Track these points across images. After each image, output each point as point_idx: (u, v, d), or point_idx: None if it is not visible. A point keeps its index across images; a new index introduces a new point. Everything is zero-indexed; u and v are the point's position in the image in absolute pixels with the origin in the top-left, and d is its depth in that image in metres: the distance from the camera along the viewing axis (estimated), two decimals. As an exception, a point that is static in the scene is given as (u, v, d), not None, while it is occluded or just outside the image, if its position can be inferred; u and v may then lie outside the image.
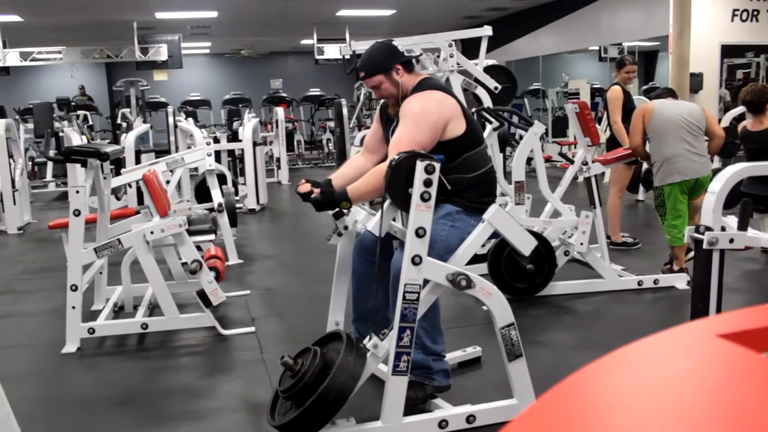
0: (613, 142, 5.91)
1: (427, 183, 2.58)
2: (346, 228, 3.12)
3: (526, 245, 2.88)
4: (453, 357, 3.44)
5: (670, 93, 5.19)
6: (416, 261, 2.61)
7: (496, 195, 3.17)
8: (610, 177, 6.01)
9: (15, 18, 12.35)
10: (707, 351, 0.64)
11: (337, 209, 2.96)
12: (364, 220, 3.08)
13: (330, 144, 14.31)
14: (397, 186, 2.66)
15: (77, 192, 3.90)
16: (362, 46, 6.52)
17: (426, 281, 2.68)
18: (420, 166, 2.57)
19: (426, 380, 2.95)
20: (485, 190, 3.02)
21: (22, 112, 13.14)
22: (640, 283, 4.81)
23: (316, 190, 2.86)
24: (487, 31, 6.31)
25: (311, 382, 2.57)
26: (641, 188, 8.28)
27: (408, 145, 2.75)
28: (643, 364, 0.66)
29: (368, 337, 2.73)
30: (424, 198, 2.58)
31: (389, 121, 3.11)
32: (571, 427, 0.54)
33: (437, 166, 2.59)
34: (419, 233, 2.60)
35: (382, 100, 3.27)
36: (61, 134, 8.27)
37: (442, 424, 2.80)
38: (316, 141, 15.93)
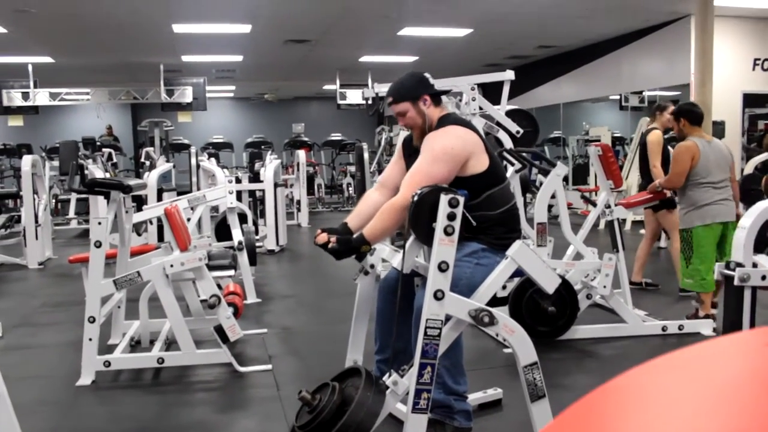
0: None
1: (451, 217, 2.55)
2: (372, 267, 3.10)
3: (549, 282, 2.83)
4: (473, 398, 3.36)
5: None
6: (438, 296, 2.57)
7: (521, 231, 3.13)
8: (669, 224, 5.80)
9: (47, 59, 12.63)
10: (757, 357, 0.63)
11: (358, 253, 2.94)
12: (389, 256, 3.06)
13: (350, 188, 14.38)
14: (420, 220, 2.63)
15: (99, 223, 3.91)
16: (385, 88, 6.60)
17: (448, 318, 2.64)
18: (444, 199, 2.55)
19: (446, 420, 2.88)
20: (510, 226, 2.99)
21: (48, 150, 13.35)
22: (664, 328, 4.72)
23: (333, 239, 2.85)
24: (509, 75, 6.34)
25: (329, 418, 2.51)
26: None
27: (423, 178, 2.73)
28: (694, 367, 0.63)
29: (388, 374, 2.66)
30: (447, 232, 2.55)
31: (413, 154, 3.09)
32: (626, 419, 0.52)
33: (461, 199, 2.57)
34: (442, 267, 2.56)
35: (405, 136, 3.27)
36: (86, 171, 8.36)
37: (462, 465, 2.72)
38: (336, 185, 16.01)
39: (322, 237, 2.90)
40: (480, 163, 2.93)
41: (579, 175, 13.73)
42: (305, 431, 2.56)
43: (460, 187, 2.84)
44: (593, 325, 4.72)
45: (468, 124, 3.10)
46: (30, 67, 12.18)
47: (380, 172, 12.39)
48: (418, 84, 3.08)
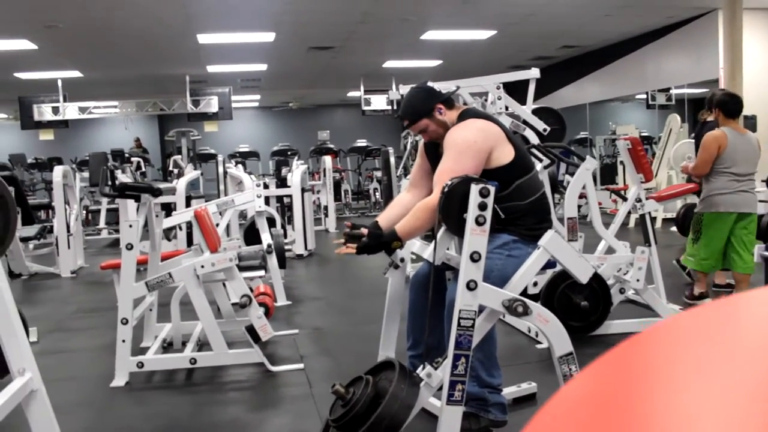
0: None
1: (482, 206, 2.53)
2: (402, 260, 3.08)
3: (583, 272, 2.79)
4: (507, 392, 3.32)
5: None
6: (471, 286, 2.54)
7: (551, 221, 3.10)
8: None
9: (75, 74, 12.84)
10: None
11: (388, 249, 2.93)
12: (419, 249, 3.04)
13: (377, 193, 14.38)
14: (451, 211, 2.61)
15: (130, 226, 3.95)
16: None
17: (481, 309, 2.62)
18: (474, 189, 2.53)
19: (481, 412, 2.85)
20: (541, 216, 2.96)
21: (78, 163, 13.54)
22: (700, 323, 4.63)
23: (364, 230, 2.83)
24: (534, 73, 6.30)
25: (363, 411, 2.50)
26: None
27: (452, 176, 2.70)
28: (728, 320, 0.61)
29: (421, 367, 2.64)
30: (479, 222, 2.53)
31: (437, 153, 3.07)
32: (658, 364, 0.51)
33: (492, 189, 2.55)
34: (474, 258, 2.54)
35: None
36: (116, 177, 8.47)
37: (499, 458, 2.69)
38: (363, 191, 16.02)
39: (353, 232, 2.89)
40: (505, 154, 2.90)
41: (607, 175, 13.60)
42: (339, 425, 2.55)
43: (488, 180, 2.83)
44: (627, 319, 4.65)
45: (487, 116, 3.08)
46: (59, 82, 12.39)
47: (406, 176, 12.38)
48: (428, 97, 3.05)
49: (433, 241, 2.71)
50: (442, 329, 2.86)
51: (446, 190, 2.61)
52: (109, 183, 4.39)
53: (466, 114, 2.98)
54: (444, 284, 3.02)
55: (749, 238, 4.98)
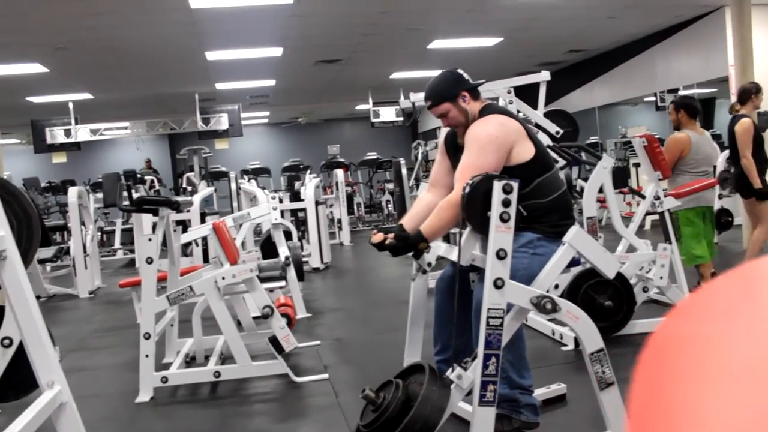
0: (741, 179, 5.61)
1: (506, 203, 2.51)
2: (429, 265, 3.05)
3: (610, 267, 2.77)
4: (537, 394, 3.27)
5: None
6: (498, 284, 2.52)
7: (574, 217, 3.07)
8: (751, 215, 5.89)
9: (86, 96, 12.92)
10: None
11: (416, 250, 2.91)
12: (446, 252, 3.02)
13: (389, 205, 14.36)
14: (474, 210, 2.59)
15: (149, 240, 3.94)
16: (421, 97, 6.59)
17: (509, 308, 2.59)
18: (497, 186, 2.51)
19: (513, 414, 2.81)
20: (563, 213, 2.93)
21: (92, 184, 13.59)
22: (726, 319, 4.58)
23: (390, 236, 2.82)
24: (545, 76, 6.28)
25: (395, 415, 2.47)
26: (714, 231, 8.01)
27: (473, 170, 2.68)
28: None
29: (450, 369, 2.61)
30: (503, 218, 2.51)
31: (457, 150, 3.06)
32: None
33: (515, 185, 2.52)
34: (500, 255, 2.51)
35: (445, 132, 3.23)
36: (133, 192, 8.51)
37: (533, 458, 2.65)
38: (375, 203, 16.02)
39: (378, 236, 2.87)
40: (525, 152, 2.87)
41: (619, 178, 13.48)
42: (370, 429, 2.52)
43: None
44: (652, 318, 4.60)
45: (508, 113, 3.06)
46: (71, 105, 12.45)
47: (418, 188, 12.36)
48: (455, 82, 3.04)
49: (458, 242, 2.68)
50: (469, 333, 2.83)
51: (468, 188, 2.59)
52: (126, 193, 4.38)
53: (488, 109, 2.97)
54: (469, 287, 2.99)
55: (708, 229, 5.34)
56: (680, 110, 5.38)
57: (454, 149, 3.11)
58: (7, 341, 2.48)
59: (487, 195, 2.55)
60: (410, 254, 2.94)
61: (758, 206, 5.62)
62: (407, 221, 3.00)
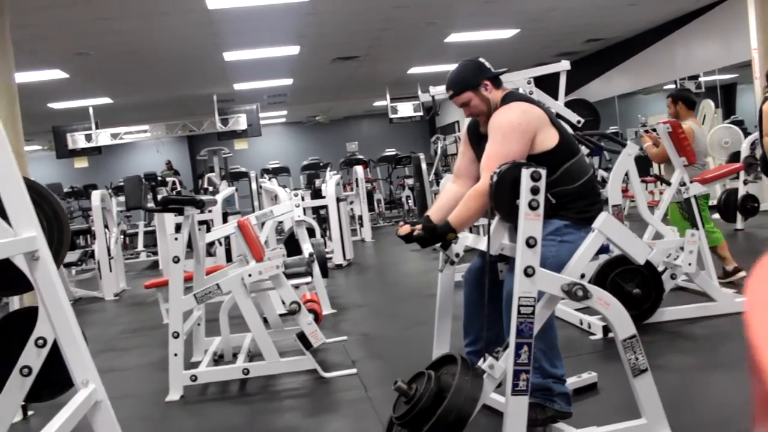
0: (764, 161, 5.51)
1: (535, 190, 2.49)
2: (457, 256, 3.03)
3: (640, 253, 2.74)
4: (568, 383, 3.24)
5: None
6: (529, 272, 2.50)
7: (602, 202, 3.03)
8: None
9: (106, 100, 13.03)
10: None
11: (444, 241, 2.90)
12: (474, 242, 3.00)
13: (409, 201, 14.34)
14: (502, 198, 2.57)
15: (176, 239, 3.96)
16: (441, 90, 6.57)
17: (540, 296, 2.57)
18: (525, 173, 2.49)
19: (546, 402, 2.78)
20: (591, 199, 2.90)
21: (114, 188, 13.71)
22: (757, 304, 4.51)
23: (418, 227, 2.80)
24: (565, 65, 6.22)
25: (428, 406, 2.45)
26: (739, 216, 7.91)
27: (499, 159, 2.65)
28: None
29: (482, 359, 2.59)
30: (532, 206, 2.48)
31: (480, 140, 3.03)
32: None
33: (543, 172, 2.50)
34: (530, 243, 2.49)
35: (468, 123, 3.21)
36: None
37: (568, 447, 2.63)
38: (395, 199, 16.00)
39: (405, 228, 2.86)
40: (549, 138, 2.84)
41: (640, 168, 13.38)
42: (404, 421, 2.51)
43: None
44: (680, 306, 4.56)
45: (530, 100, 3.03)
46: (91, 110, 12.57)
47: (438, 182, 12.33)
48: (477, 71, 3.01)
49: (487, 232, 2.66)
50: (499, 324, 2.80)
51: (495, 177, 2.57)
52: (150, 194, 4.41)
53: (510, 97, 2.94)
54: (497, 276, 2.97)
55: (706, 214, 5.31)
56: (678, 102, 5.47)
57: (477, 139, 3.09)
58: (41, 341, 2.50)
59: (515, 183, 2.53)
60: (438, 246, 2.93)
61: None
62: (434, 213, 2.98)
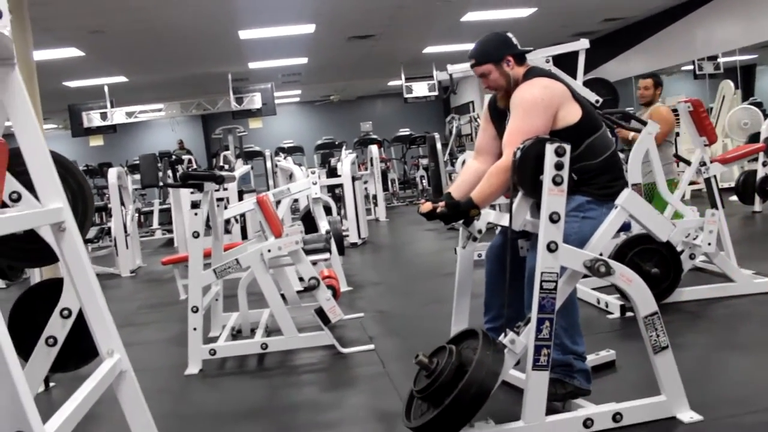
0: None
1: (558, 166, 2.48)
2: (480, 232, 3.03)
3: (663, 230, 2.73)
4: (587, 361, 3.26)
5: None
6: (552, 248, 2.50)
7: (624, 177, 3.01)
8: None
9: (121, 79, 13.06)
10: None
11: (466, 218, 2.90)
12: (496, 218, 3.00)
13: (423, 181, 14.32)
14: (526, 174, 2.56)
15: (195, 214, 3.98)
16: (459, 68, 6.54)
17: (562, 272, 2.56)
18: (549, 148, 2.48)
19: (566, 378, 2.79)
20: (614, 174, 2.88)
21: (129, 166, 13.78)
22: (776, 284, 4.51)
23: (441, 204, 2.79)
24: (584, 44, 6.16)
25: (449, 380, 2.46)
26: (757, 198, 7.86)
27: (521, 135, 2.63)
28: None
29: (503, 335, 2.60)
30: (556, 182, 2.48)
31: (501, 116, 3.02)
32: None
33: (567, 147, 2.49)
34: (553, 218, 2.49)
35: (489, 99, 3.19)
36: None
37: (587, 423, 2.64)
38: (409, 179, 15.99)
39: (427, 205, 2.84)
40: (572, 114, 2.82)
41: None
42: (425, 395, 2.52)
43: None
44: (699, 286, 4.54)
45: (552, 75, 3.00)
46: (106, 88, 12.58)
47: (453, 163, 12.29)
48: (502, 44, 2.99)
49: (510, 207, 2.66)
50: (520, 302, 2.81)
51: (519, 153, 2.56)
52: (170, 169, 4.42)
53: (532, 72, 2.92)
54: (519, 255, 2.97)
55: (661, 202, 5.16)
56: (658, 88, 5.60)
57: (497, 115, 3.07)
58: (66, 312, 2.53)
59: (538, 158, 2.52)
60: (459, 223, 2.92)
61: None
62: (455, 189, 2.97)
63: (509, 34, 3.03)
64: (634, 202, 2.67)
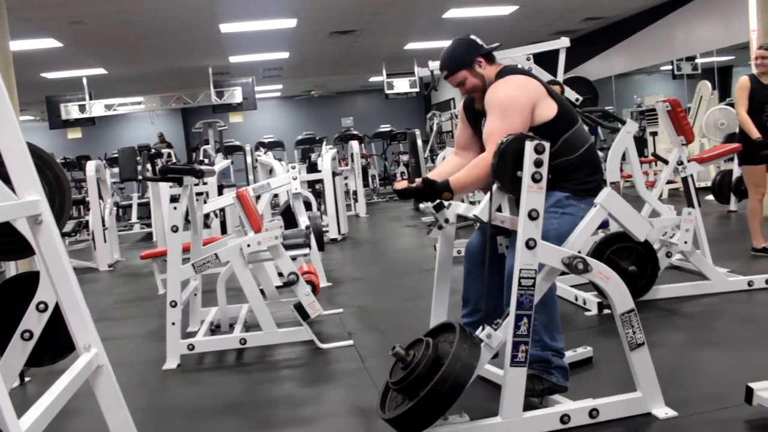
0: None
1: (538, 163, 2.50)
2: (447, 221, 3.06)
3: (641, 229, 2.75)
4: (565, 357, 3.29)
5: None
6: (530, 245, 2.51)
7: (602, 172, 3.03)
8: (745, 178, 5.64)
9: (100, 71, 12.92)
10: None
11: (438, 201, 2.93)
12: (465, 210, 3.01)
13: (404, 177, 14.33)
14: (505, 170, 2.58)
15: (175, 208, 3.95)
16: (438, 64, 6.54)
17: (540, 268, 2.58)
18: (529, 145, 2.50)
19: (544, 374, 2.81)
20: (591, 168, 2.90)
21: (108, 160, 13.65)
22: (750, 283, 4.56)
23: (418, 181, 2.80)
24: (564, 42, 6.21)
25: (425, 373, 2.47)
26: (733, 198, 7.94)
27: (501, 135, 2.65)
28: None
29: (480, 329, 2.61)
30: (535, 179, 2.50)
31: (478, 116, 3.02)
32: None
33: (547, 145, 2.51)
34: (532, 215, 2.50)
35: (464, 99, 3.19)
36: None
37: (564, 419, 2.66)
38: (390, 175, 16.00)
39: (402, 183, 2.85)
40: (548, 109, 2.83)
41: (636, 147, 13.41)
42: (400, 387, 2.53)
43: None
44: (675, 284, 4.60)
45: (526, 72, 3.02)
46: (85, 80, 12.47)
47: (433, 159, 12.32)
48: (469, 48, 2.99)
49: (486, 199, 2.67)
50: (498, 297, 2.83)
51: (500, 148, 2.57)
52: (149, 163, 4.39)
53: (505, 71, 2.93)
54: (497, 250, 2.99)
55: None
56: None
57: (474, 116, 3.08)
58: (42, 306, 2.50)
59: (517, 155, 2.54)
60: (430, 206, 2.95)
61: (758, 169, 5.50)
62: (434, 175, 2.97)
63: (473, 37, 3.05)
64: (613, 201, 2.69)
